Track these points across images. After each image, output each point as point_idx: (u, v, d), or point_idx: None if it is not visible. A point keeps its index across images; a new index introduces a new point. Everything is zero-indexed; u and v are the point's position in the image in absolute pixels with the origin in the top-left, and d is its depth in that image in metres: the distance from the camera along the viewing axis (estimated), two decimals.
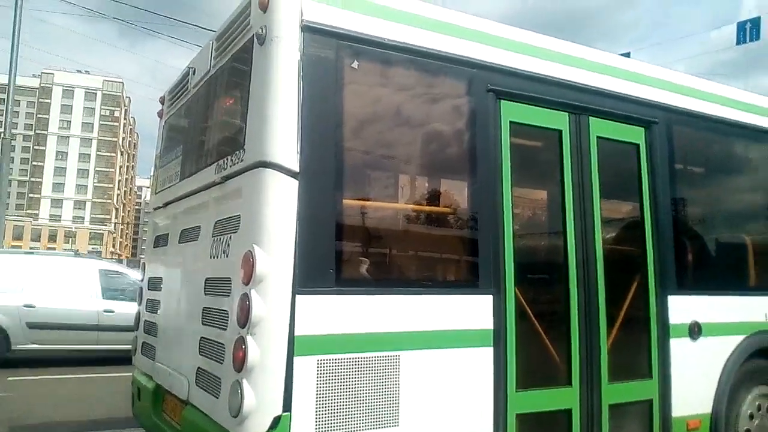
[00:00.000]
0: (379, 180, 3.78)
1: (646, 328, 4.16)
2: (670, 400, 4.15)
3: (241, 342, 2.90)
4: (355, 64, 3.35)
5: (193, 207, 4.07)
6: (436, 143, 3.81)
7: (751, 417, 4.65)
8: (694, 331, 4.31)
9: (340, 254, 3.20)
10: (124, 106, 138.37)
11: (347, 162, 3.30)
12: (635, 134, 4.32)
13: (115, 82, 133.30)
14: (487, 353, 3.49)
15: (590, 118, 4.09)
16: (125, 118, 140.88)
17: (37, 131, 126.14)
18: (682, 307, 4.27)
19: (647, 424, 4.11)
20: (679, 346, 4.22)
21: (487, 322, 3.51)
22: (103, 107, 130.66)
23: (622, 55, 23.14)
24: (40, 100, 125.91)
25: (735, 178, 5.27)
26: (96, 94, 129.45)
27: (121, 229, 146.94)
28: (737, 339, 4.56)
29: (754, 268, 5.00)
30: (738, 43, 20.10)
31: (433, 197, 3.90)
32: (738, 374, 4.51)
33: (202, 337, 3.48)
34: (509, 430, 3.51)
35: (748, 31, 19.63)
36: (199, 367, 3.47)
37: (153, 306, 4.67)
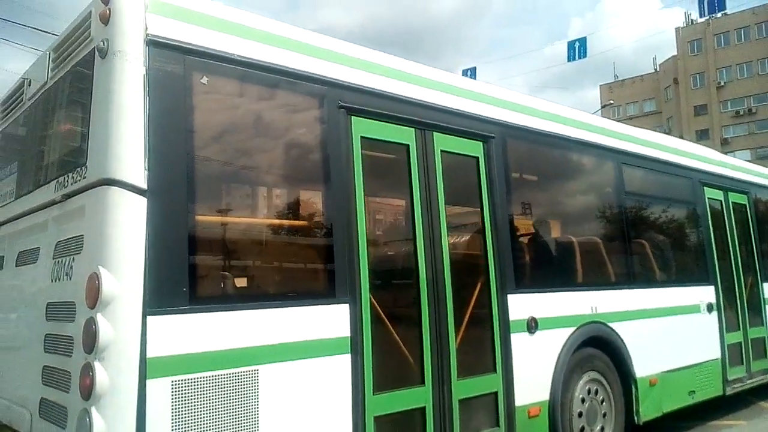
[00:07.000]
0: (233, 195, 3.78)
1: (489, 326, 4.51)
2: (513, 390, 4.52)
3: (87, 368, 2.79)
4: (204, 80, 3.34)
5: (31, 227, 3.81)
6: (290, 157, 3.88)
7: (583, 401, 5.15)
8: (531, 325, 4.75)
9: (194, 272, 3.15)
10: None
11: (198, 177, 3.26)
12: (475, 148, 4.69)
13: None
14: (345, 360, 3.61)
15: (434, 133, 4.38)
16: None
17: None
18: (520, 305, 4.70)
19: (494, 415, 4.45)
20: (518, 341, 4.63)
21: (344, 330, 3.63)
22: None
23: (467, 69, 24.58)
24: None
25: (564, 186, 5.87)
26: None
27: None
28: (569, 331, 5.08)
29: (581, 266, 5.60)
30: (569, 59, 22.30)
31: (288, 210, 3.98)
32: (570, 362, 5.01)
33: (45, 366, 3.28)
34: None
35: (576, 49, 21.83)
36: (42, 398, 3.27)
37: None
